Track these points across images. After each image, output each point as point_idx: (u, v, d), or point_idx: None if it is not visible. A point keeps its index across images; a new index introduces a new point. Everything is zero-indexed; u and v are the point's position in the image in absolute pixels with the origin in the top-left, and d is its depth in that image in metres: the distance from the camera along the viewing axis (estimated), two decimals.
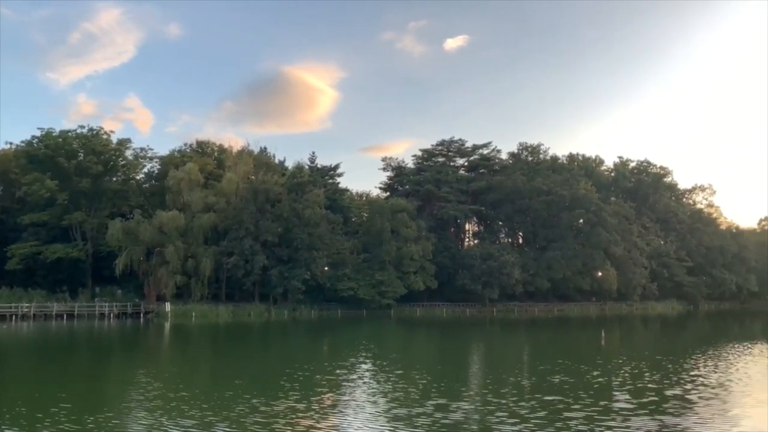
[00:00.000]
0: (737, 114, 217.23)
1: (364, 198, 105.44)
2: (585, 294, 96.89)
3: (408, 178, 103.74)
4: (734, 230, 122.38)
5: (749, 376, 23.30)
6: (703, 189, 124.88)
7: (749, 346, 36.76)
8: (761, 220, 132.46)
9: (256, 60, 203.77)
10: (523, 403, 17.42)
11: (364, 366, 27.28)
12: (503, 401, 17.86)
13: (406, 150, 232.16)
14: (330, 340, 45.81)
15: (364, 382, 22.09)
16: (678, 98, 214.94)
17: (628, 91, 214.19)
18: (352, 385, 21.45)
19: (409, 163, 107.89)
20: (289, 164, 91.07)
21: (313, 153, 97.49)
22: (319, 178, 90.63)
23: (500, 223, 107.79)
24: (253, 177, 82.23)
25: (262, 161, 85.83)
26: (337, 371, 24.85)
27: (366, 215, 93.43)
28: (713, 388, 20.41)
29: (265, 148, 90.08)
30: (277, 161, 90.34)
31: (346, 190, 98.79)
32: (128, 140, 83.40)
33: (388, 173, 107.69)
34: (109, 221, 74.70)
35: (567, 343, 43.89)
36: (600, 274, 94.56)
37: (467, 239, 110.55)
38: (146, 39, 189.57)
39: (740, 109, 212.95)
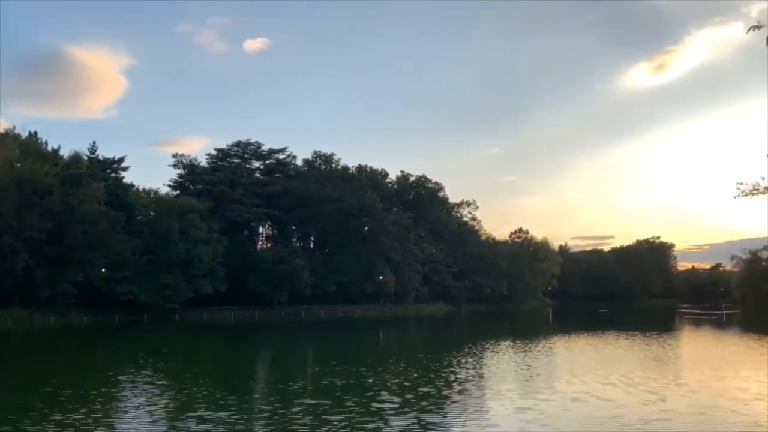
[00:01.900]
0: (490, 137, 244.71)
1: (152, 195, 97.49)
2: (367, 296, 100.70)
3: (201, 177, 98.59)
4: (491, 241, 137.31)
5: (498, 369, 25.57)
6: (468, 204, 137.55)
7: (498, 343, 40.78)
8: (512, 233, 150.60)
9: (33, 34, 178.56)
10: (290, 409, 16.73)
11: (124, 378, 24.37)
12: (270, 407, 17.08)
13: (200, 148, 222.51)
14: (105, 348, 41.06)
15: (122, 395, 19.63)
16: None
17: (416, 108, 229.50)
18: (105, 399, 18.89)
19: (203, 161, 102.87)
20: (65, 153, 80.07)
21: (94, 143, 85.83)
22: (100, 171, 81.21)
23: (293, 227, 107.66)
24: (18, 165, 70.91)
25: (30, 147, 74.20)
26: (99, 386, 21.89)
27: (153, 214, 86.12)
28: (464, 382, 21.86)
29: (36, 132, 78.05)
30: (50, 149, 78.95)
31: (132, 185, 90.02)
32: None
33: (180, 171, 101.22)
34: None
35: (346, 344, 44.61)
36: (381, 277, 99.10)
37: (260, 242, 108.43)
38: None
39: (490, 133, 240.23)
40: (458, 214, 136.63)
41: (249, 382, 23.68)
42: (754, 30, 6.42)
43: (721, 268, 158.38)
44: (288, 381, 22.56)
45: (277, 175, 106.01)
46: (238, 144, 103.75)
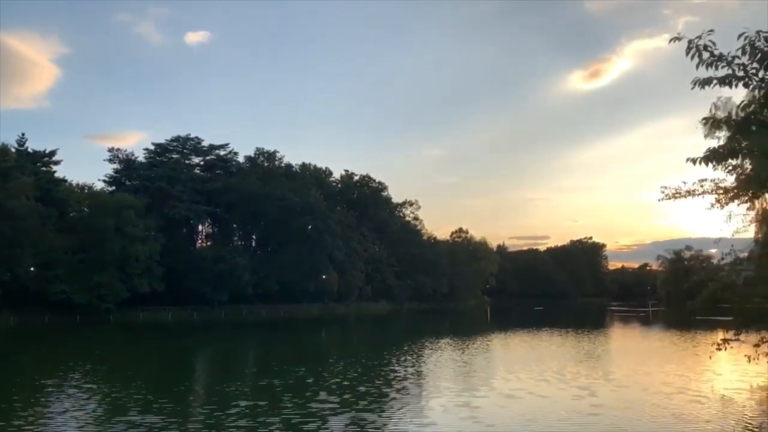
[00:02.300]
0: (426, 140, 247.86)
1: (86, 191, 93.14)
2: (310, 295, 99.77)
3: (138, 172, 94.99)
4: (433, 240, 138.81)
5: (437, 367, 25.74)
6: (411, 204, 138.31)
7: (437, 340, 41.15)
8: (452, 233, 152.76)
9: None
10: (226, 411, 16.22)
11: (51, 382, 23.03)
12: (204, 410, 16.52)
13: (137, 142, 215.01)
14: (32, 351, 38.86)
15: (47, 401, 18.55)
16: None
17: (359, 107, 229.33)
18: (29, 405, 17.78)
19: (140, 156, 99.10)
20: None
21: (23, 135, 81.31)
22: (30, 165, 76.94)
23: (234, 225, 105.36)
24: None
25: None
26: (23, 391, 20.63)
27: (87, 210, 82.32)
28: (403, 380, 21.87)
29: None
30: None
31: (64, 180, 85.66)
32: None
33: (115, 165, 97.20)
34: None
35: (287, 344, 43.92)
36: (324, 276, 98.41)
37: (200, 240, 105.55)
38: None
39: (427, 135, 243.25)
40: (401, 214, 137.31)
41: (184, 385, 22.82)
42: (675, 41, 6.63)
43: (647, 268, 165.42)
44: (225, 382, 21.94)
45: (218, 171, 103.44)
46: (177, 139, 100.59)
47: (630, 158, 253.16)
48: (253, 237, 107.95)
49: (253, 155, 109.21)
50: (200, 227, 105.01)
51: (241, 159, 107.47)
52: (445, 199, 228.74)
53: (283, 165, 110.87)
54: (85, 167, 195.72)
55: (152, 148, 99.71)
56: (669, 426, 14.23)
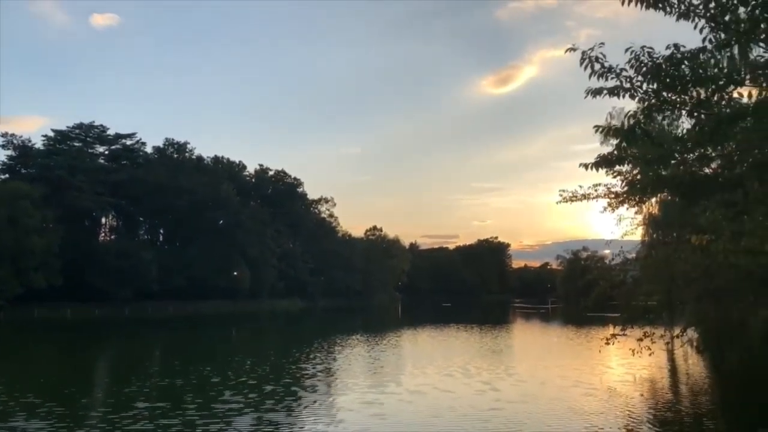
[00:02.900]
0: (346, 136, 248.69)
1: None
2: (220, 292, 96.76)
3: (35, 160, 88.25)
4: (347, 238, 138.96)
5: (347, 364, 25.68)
6: (327, 201, 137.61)
7: (348, 337, 41.16)
8: (367, 231, 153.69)
9: None
10: (121, 413, 15.27)
11: None
12: (98, 414, 15.53)
13: (35, 128, 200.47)
14: None
15: None
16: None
17: (276, 103, 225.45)
18: None
19: (38, 143, 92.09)
20: None
21: None
22: None
23: (141, 218, 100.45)
24: None
25: None
26: None
27: None
28: (311, 378, 21.63)
29: None
30: None
31: None
32: None
33: (10, 152, 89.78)
34: None
35: (193, 342, 42.35)
36: (236, 273, 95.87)
37: (103, 234, 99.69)
38: None
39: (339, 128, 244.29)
40: (317, 211, 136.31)
41: (77, 386, 21.25)
42: (570, 51, 6.91)
43: (548, 267, 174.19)
44: (123, 383, 20.73)
45: (124, 162, 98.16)
46: (80, 126, 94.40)
47: (535, 162, 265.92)
48: (161, 231, 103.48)
49: (162, 146, 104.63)
50: (104, 220, 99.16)
51: (149, 150, 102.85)
52: (360, 197, 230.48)
53: (194, 157, 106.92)
54: None
55: (52, 135, 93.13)
56: (564, 418, 14.85)
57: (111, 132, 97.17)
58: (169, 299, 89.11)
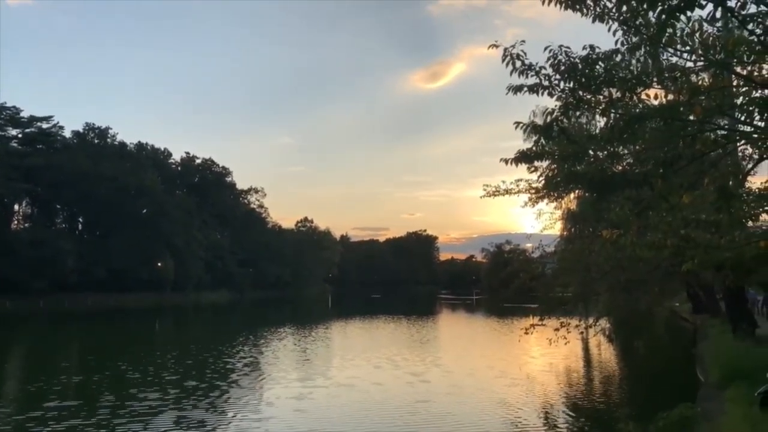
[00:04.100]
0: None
1: None
2: (144, 284, 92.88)
3: None
4: (277, 229, 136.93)
5: (274, 357, 25.29)
6: (257, 191, 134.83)
7: (277, 329, 40.48)
8: (298, 222, 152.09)
9: None
10: (27, 414, 14.35)
11: None
12: (5, 410, 14.56)
13: None
14: None
15: None
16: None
17: (206, 89, 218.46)
18: None
19: None
20: None
21: None
22: None
23: (58, 206, 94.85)
24: None
25: None
26: None
27: None
28: (236, 372, 21.15)
29: None
30: None
31: None
32: None
33: None
34: None
35: (111, 336, 40.34)
36: (160, 264, 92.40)
37: (16, 222, 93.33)
38: None
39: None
40: (246, 201, 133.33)
41: None
42: (493, 48, 7.01)
43: (474, 259, 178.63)
44: (32, 381, 19.47)
45: (40, 146, 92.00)
46: None
47: (463, 157, 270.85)
48: (80, 220, 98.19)
49: (82, 131, 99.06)
50: (16, 207, 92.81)
51: (67, 134, 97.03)
52: (291, 188, 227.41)
53: (116, 143, 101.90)
54: None
55: None
56: (491, 409, 15.13)
57: (25, 114, 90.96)
58: (89, 291, 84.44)
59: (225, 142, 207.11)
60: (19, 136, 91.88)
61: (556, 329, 17.77)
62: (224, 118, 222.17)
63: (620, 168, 8.66)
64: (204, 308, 78.55)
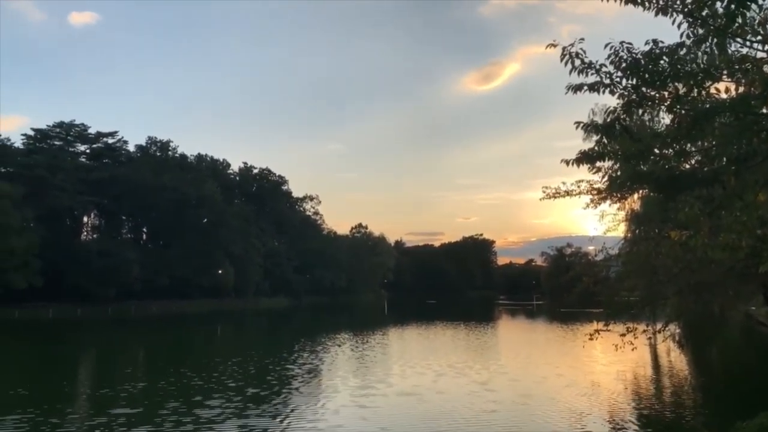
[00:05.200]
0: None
1: None
2: (204, 290, 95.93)
3: (14, 159, 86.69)
4: (332, 235, 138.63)
5: (333, 364, 25.54)
6: (311, 198, 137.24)
7: (335, 335, 40.86)
8: (352, 228, 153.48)
9: None
10: (93, 421, 14.78)
11: None
12: (67, 419, 15.05)
13: (15, 127, 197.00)
14: None
15: None
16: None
17: (260, 100, 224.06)
18: None
19: (17, 142, 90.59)
20: None
21: None
22: None
23: (123, 217, 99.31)
24: None
25: None
26: None
27: None
28: (296, 379, 21.45)
29: None
30: None
31: None
32: None
33: None
34: None
35: (176, 342, 41.73)
36: (220, 271, 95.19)
37: (85, 233, 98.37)
38: None
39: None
40: (301, 208, 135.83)
41: (53, 389, 20.49)
42: (551, 47, 6.91)
43: (533, 263, 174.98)
44: (100, 387, 20.27)
45: (106, 160, 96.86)
46: (60, 125, 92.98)
47: (518, 158, 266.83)
48: (144, 230, 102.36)
49: (144, 144, 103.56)
50: (85, 219, 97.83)
51: (131, 148, 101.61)
52: (344, 194, 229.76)
53: (177, 155, 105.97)
54: None
55: (31, 133, 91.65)
56: (563, 420, 14.67)
57: (92, 131, 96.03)
58: (153, 298, 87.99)
59: (279, 152, 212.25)
60: (87, 151, 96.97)
61: (623, 335, 17.18)
62: (278, 128, 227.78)
63: (688, 166, 8.35)
64: (263, 314, 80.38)
